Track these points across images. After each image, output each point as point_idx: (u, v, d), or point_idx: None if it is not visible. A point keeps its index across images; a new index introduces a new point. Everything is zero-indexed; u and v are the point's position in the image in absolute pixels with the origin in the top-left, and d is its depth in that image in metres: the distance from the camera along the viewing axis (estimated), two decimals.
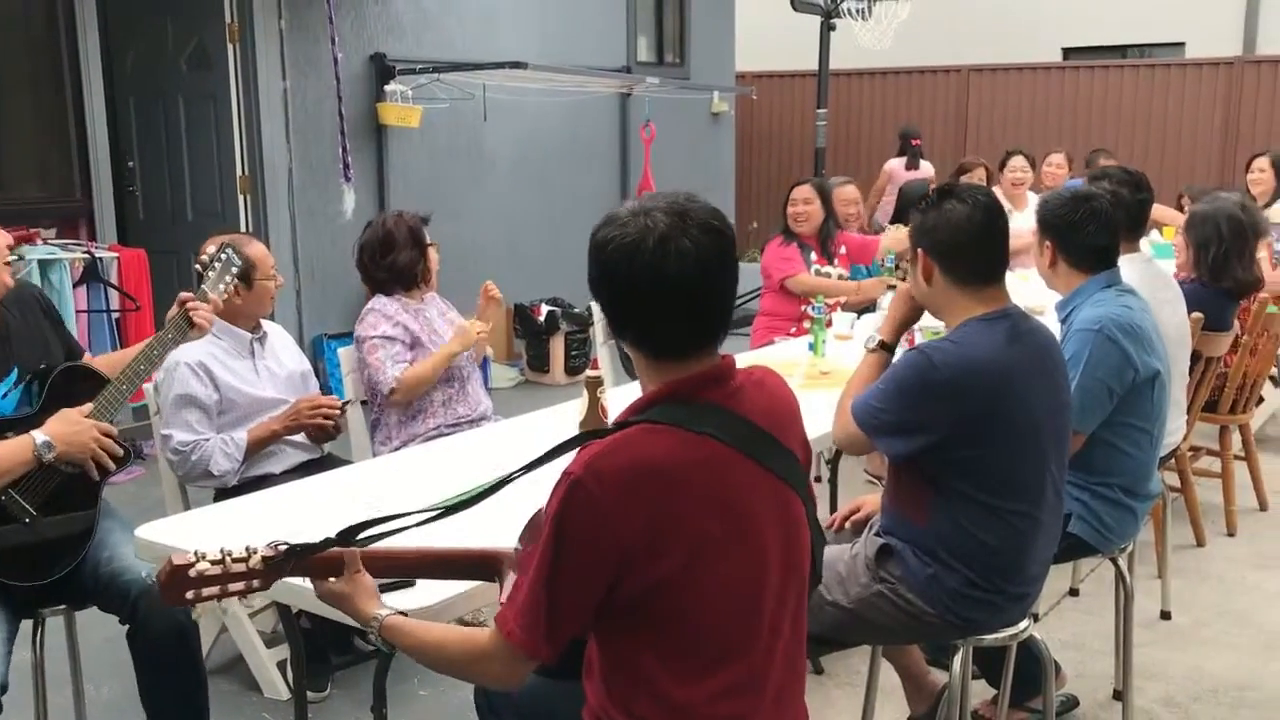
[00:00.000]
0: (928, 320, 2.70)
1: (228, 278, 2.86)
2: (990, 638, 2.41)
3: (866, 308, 4.84)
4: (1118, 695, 3.27)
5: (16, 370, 2.60)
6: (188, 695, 2.66)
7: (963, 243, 2.36)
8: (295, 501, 2.60)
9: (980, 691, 3.01)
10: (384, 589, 1.82)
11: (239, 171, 6.48)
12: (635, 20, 9.07)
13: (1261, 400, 4.99)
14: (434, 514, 1.71)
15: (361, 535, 1.73)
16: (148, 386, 3.20)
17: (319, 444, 3.39)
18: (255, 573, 1.70)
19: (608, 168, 8.90)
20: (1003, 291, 2.40)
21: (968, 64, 11.88)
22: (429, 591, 1.97)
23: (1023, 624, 2.45)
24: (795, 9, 9.54)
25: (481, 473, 2.22)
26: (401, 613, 1.76)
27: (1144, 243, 3.85)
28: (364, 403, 3.66)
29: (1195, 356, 3.83)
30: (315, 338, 6.67)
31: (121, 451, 2.56)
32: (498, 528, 1.88)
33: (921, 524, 2.36)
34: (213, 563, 1.67)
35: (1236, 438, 4.70)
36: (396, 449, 3.51)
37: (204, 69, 6.45)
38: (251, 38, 6.31)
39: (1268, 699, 3.34)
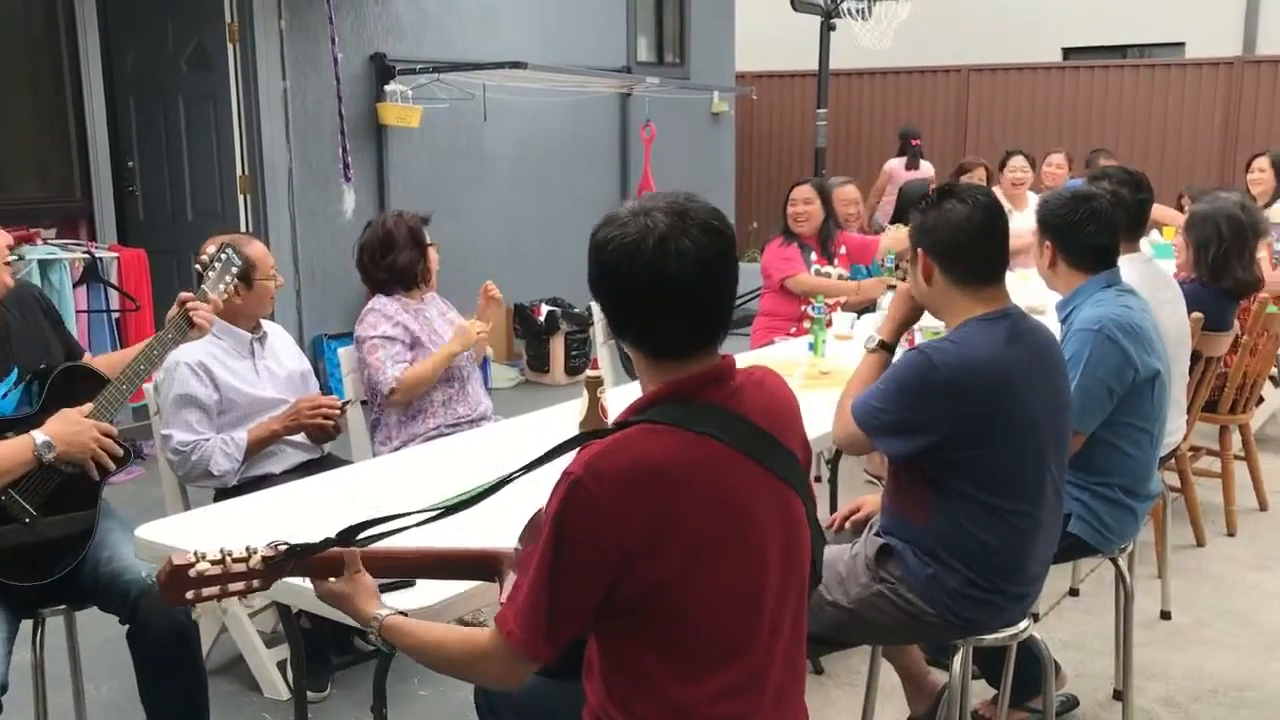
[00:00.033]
0: (928, 320, 2.70)
1: (228, 278, 2.86)
2: (990, 638, 2.41)
3: (866, 308, 4.84)
4: (1118, 695, 3.27)
5: (16, 370, 2.60)
6: (188, 695, 2.66)
7: (963, 243, 2.36)
8: (295, 501, 2.60)
9: (980, 691, 3.01)
10: (384, 589, 1.82)
11: (239, 171, 6.48)
12: (635, 20, 9.07)
13: (1261, 400, 5.00)
14: (434, 514, 1.71)
15: (361, 535, 1.73)
16: (148, 386, 3.20)
17: (319, 444, 3.39)
18: (255, 573, 1.70)
19: (608, 168, 8.90)
20: (1003, 291, 2.40)
21: (968, 64, 11.88)
22: (429, 591, 1.97)
23: (1023, 624, 2.45)
24: (795, 9, 9.54)
25: (482, 473, 2.22)
26: (402, 613, 1.76)
27: (1144, 243, 3.85)
28: (364, 403, 3.66)
29: (1195, 356, 3.83)
30: (315, 338, 6.68)
31: (121, 451, 2.56)
32: (498, 528, 1.88)
33: (921, 524, 2.36)
34: (213, 563, 1.67)
35: (1236, 438, 4.70)
36: (396, 449, 3.51)
37: (204, 69, 6.45)
38: (251, 38, 6.31)
39: (1268, 699, 3.34)
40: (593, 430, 1.69)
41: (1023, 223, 5.30)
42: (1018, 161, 6.78)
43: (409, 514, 1.71)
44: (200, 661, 2.71)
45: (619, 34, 8.91)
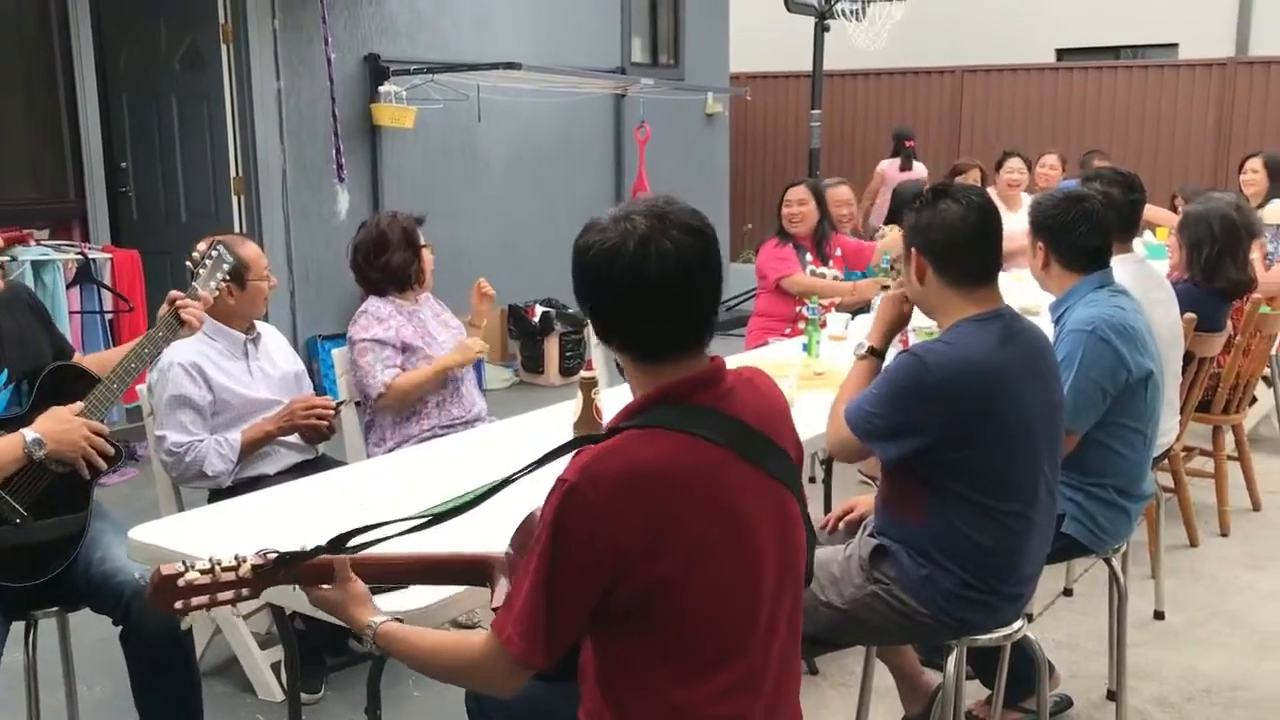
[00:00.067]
0: (922, 320, 2.71)
1: (219, 275, 2.84)
2: (984, 638, 2.41)
3: (861, 308, 4.84)
4: (1111, 695, 3.27)
5: (7, 371, 2.59)
6: (181, 697, 2.66)
7: (957, 243, 2.37)
8: (289, 503, 2.59)
9: (974, 692, 3.01)
10: (377, 591, 1.82)
11: (233, 172, 6.47)
12: (630, 21, 9.07)
13: (1254, 400, 5.01)
14: (424, 521, 1.71)
15: (351, 543, 1.73)
16: (141, 388, 3.19)
17: (313, 445, 3.38)
18: (245, 581, 1.69)
19: (602, 169, 8.90)
20: (995, 292, 2.40)
21: (962, 65, 11.90)
22: (422, 592, 1.97)
23: (1017, 624, 2.45)
24: (789, 10, 9.55)
25: (476, 474, 2.22)
26: (397, 618, 1.75)
27: (1137, 243, 3.85)
28: (358, 404, 3.66)
29: (1188, 357, 3.84)
30: (309, 339, 6.67)
31: (113, 450, 2.54)
32: (489, 532, 1.87)
33: (915, 525, 2.36)
34: (202, 572, 1.66)
35: (1230, 438, 4.71)
36: (391, 450, 3.51)
37: (198, 69, 6.44)
38: (245, 38, 6.30)
39: (1260, 699, 3.34)
40: (586, 436, 1.68)
41: (1017, 224, 5.30)
42: (1014, 163, 6.78)
43: (399, 521, 1.70)
44: (194, 663, 2.71)
45: (613, 35, 8.91)
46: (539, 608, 1.56)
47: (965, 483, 2.30)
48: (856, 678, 3.04)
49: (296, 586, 1.78)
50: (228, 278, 2.91)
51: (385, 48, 6.99)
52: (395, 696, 3.23)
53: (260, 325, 3.38)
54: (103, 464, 2.53)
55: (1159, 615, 3.85)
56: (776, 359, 3.98)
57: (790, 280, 4.99)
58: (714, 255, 1.64)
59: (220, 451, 3.12)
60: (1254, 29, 11.97)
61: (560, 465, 1.62)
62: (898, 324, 2.69)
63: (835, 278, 5.09)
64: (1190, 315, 3.78)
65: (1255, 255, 4.64)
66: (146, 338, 2.66)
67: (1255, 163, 6.26)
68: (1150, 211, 5.95)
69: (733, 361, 1.72)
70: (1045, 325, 2.82)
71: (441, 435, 3.50)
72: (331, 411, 3.29)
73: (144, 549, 2.32)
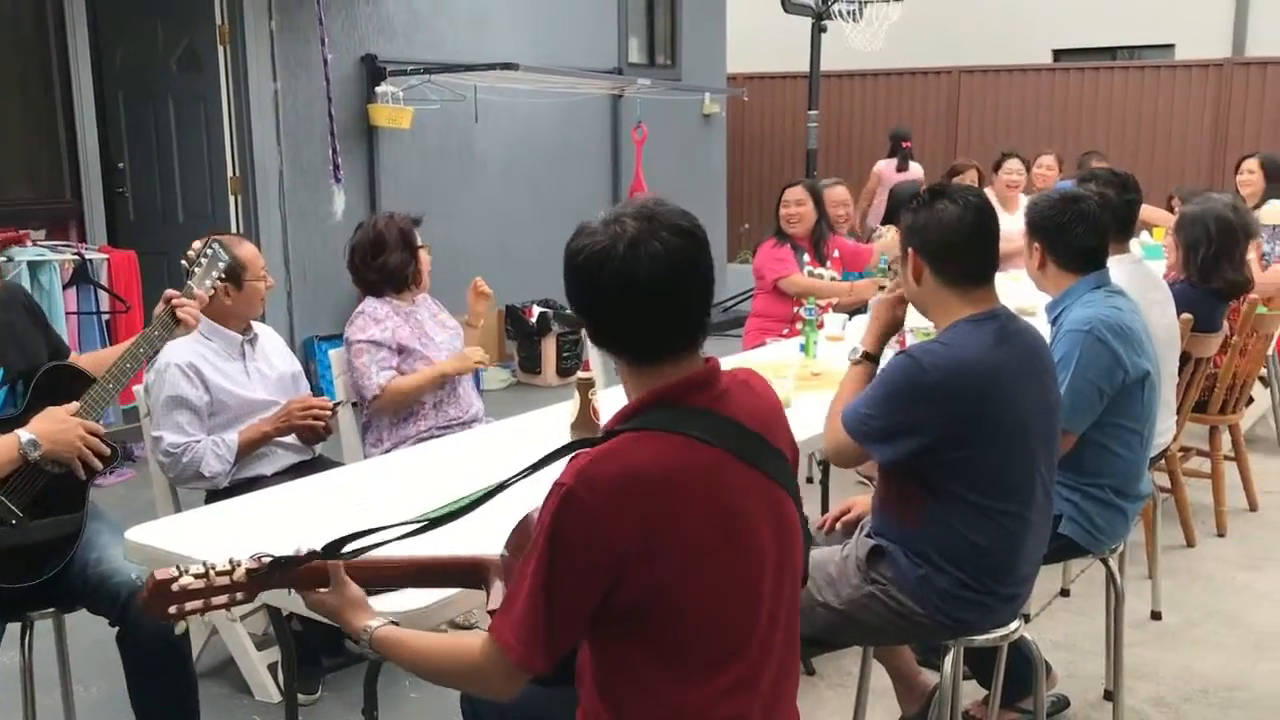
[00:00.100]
0: (920, 321, 2.71)
1: (214, 273, 2.82)
2: (981, 638, 2.42)
3: (858, 309, 4.84)
4: (1108, 695, 3.27)
5: (2, 371, 2.59)
6: (178, 698, 2.66)
7: (954, 243, 2.37)
8: (286, 503, 2.59)
9: (971, 692, 3.02)
10: (373, 592, 1.81)
11: (229, 173, 6.46)
12: (626, 22, 9.06)
13: (1251, 401, 5.01)
14: (420, 526, 1.70)
15: (347, 549, 1.72)
16: (138, 388, 3.19)
17: (310, 445, 3.38)
18: (239, 585, 1.69)
19: (599, 169, 8.90)
20: (992, 293, 2.40)
21: (958, 65, 11.91)
22: (419, 594, 1.96)
23: (1013, 624, 2.45)
24: (786, 10, 9.56)
25: (473, 475, 2.22)
26: (393, 621, 1.75)
27: (1134, 244, 3.86)
28: (355, 404, 3.66)
29: (1185, 357, 3.84)
30: (306, 339, 6.66)
31: (108, 451, 2.54)
32: (484, 534, 1.87)
33: (912, 525, 2.37)
34: (196, 576, 1.65)
35: (1226, 438, 4.72)
36: (388, 451, 3.51)
37: (194, 70, 6.43)
38: (242, 39, 6.29)
39: (1257, 699, 3.35)
40: (582, 439, 1.68)
41: (1014, 225, 5.30)
42: (1013, 164, 6.78)
43: (394, 526, 1.70)
44: (190, 664, 2.71)
45: (610, 35, 8.91)
46: (538, 612, 1.56)
47: (962, 483, 2.30)
48: (853, 678, 3.04)
49: (292, 590, 1.78)
50: (224, 277, 2.90)
51: (382, 48, 6.99)
52: (392, 698, 3.22)
53: (257, 326, 3.38)
54: (98, 464, 2.52)
55: (1156, 615, 3.85)
56: (774, 359, 3.98)
57: (788, 281, 4.99)
58: (705, 256, 1.64)
59: (217, 452, 3.12)
60: (1250, 30, 11.98)
61: (556, 469, 1.62)
62: (892, 328, 2.70)
63: (833, 278, 5.09)
64: (1187, 316, 3.79)
65: (1252, 256, 4.65)
66: (142, 337, 2.65)
67: (1251, 163, 6.27)
68: (1147, 212, 5.96)
69: (730, 362, 1.72)
70: (1042, 326, 2.82)
71: (438, 436, 3.49)
72: (328, 412, 3.29)
73: (141, 550, 2.32)
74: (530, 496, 1.65)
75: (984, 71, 11.78)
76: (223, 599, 1.69)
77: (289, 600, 1.85)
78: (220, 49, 6.32)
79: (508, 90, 7.52)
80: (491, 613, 1.68)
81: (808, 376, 3.71)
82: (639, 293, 1.59)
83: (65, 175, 5.80)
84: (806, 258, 5.10)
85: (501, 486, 1.68)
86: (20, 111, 5.69)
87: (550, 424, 2.99)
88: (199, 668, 2.97)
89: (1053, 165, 7.30)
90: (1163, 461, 4.00)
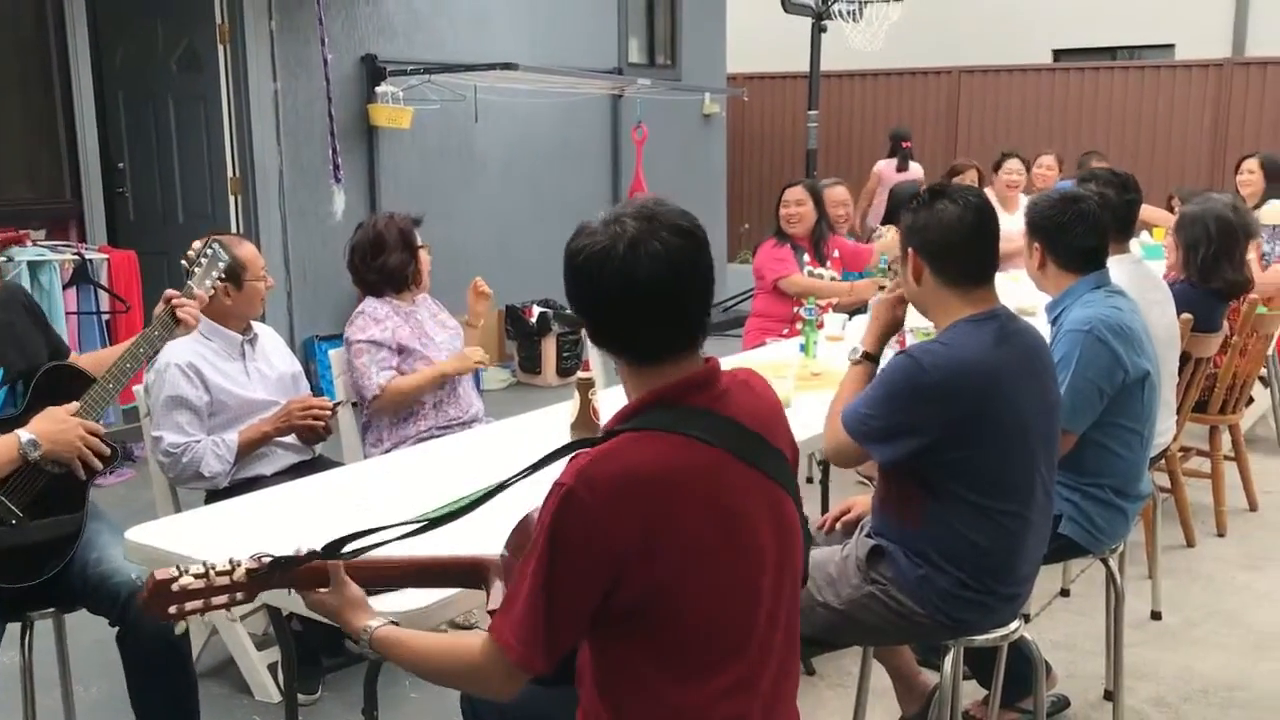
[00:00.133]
0: (920, 321, 2.71)
1: (214, 273, 2.82)
2: (981, 638, 2.42)
3: (858, 309, 4.84)
4: (1108, 695, 3.27)
5: (2, 371, 2.59)
6: (178, 698, 2.66)
7: (954, 243, 2.37)
8: (286, 503, 2.59)
9: (971, 692, 3.01)
10: (373, 592, 1.81)
11: (229, 173, 6.46)
12: (626, 22, 9.06)
13: (1251, 401, 5.01)
14: (419, 526, 1.70)
15: (347, 549, 1.72)
16: (138, 388, 3.19)
17: (310, 445, 3.38)
18: (239, 585, 1.69)
19: (599, 169, 8.90)
20: (992, 293, 2.40)
21: (958, 65, 11.91)
22: (419, 593, 1.96)
23: (1014, 624, 2.45)
24: (786, 10, 9.56)
25: (473, 475, 2.22)
26: (393, 621, 1.75)
27: (1134, 244, 3.85)
28: (355, 404, 3.66)
29: (1185, 357, 3.84)
30: (306, 339, 6.66)
31: (108, 451, 2.54)
32: (484, 533, 1.87)
33: (912, 525, 2.37)
34: (196, 576, 1.66)
35: (1226, 438, 4.72)
36: (388, 451, 3.51)
37: (194, 70, 6.43)
38: (242, 39, 6.29)
39: (1257, 699, 3.35)
40: (582, 439, 1.68)
41: (1014, 225, 5.30)
42: (1013, 164, 6.78)
43: (394, 526, 1.70)
44: (190, 664, 2.71)
45: (610, 35, 8.91)
46: (538, 612, 1.56)
47: (962, 483, 2.30)
48: (853, 678, 3.04)
49: (292, 590, 1.78)
50: (224, 277, 2.90)
51: (382, 48, 6.99)
52: (392, 698, 3.22)
53: (257, 326, 3.38)
54: (98, 464, 2.53)
55: (1156, 615, 3.85)
56: (774, 359, 3.98)
57: (788, 281, 4.99)
58: (705, 256, 1.64)
59: (217, 452, 3.12)
60: (1250, 30, 11.99)
61: (556, 469, 1.62)
62: (891, 328, 2.70)
63: (833, 278, 5.09)
64: (1187, 316, 3.79)
65: (1252, 256, 4.65)
66: (142, 337, 2.65)
67: (1251, 163, 6.27)
68: (1147, 212, 5.96)
69: (730, 362, 1.72)
70: (1042, 326, 2.82)
71: (438, 436, 3.50)
72: (328, 412, 3.28)
73: (141, 550, 2.32)
74: (530, 496, 1.65)
75: (984, 71, 11.79)
76: (223, 599, 1.69)
77: (289, 600, 1.85)
78: (220, 49, 6.32)
79: (508, 90, 7.52)
80: (491, 613, 1.68)
81: (808, 376, 3.71)
82: (639, 293, 1.59)
83: (65, 175, 5.80)
84: (806, 258, 5.10)
85: (501, 486, 1.68)
86: (20, 111, 5.69)
87: (550, 424, 2.99)
88: (199, 668, 2.97)
89: (1053, 165, 7.30)
90: (1163, 461, 4.00)
